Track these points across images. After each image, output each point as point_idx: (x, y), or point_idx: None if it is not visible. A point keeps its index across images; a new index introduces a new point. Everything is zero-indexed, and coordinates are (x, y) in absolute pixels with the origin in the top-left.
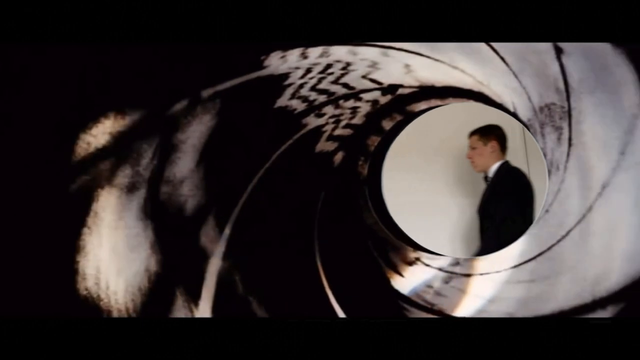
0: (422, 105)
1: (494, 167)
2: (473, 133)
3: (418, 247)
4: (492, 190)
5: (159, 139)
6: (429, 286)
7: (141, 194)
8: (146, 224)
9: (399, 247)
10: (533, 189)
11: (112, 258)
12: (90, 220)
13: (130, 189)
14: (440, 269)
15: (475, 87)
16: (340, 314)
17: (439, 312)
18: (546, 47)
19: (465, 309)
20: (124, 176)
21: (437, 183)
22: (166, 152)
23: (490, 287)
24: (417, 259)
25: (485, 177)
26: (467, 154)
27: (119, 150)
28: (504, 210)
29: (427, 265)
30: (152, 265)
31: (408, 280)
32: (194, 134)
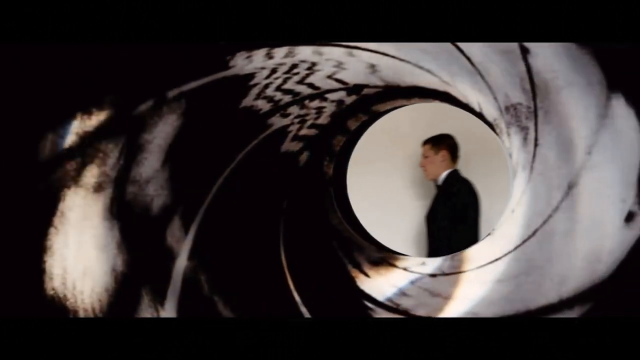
0: (388, 106)
1: (443, 175)
2: (425, 142)
3: (383, 247)
4: (440, 198)
5: (125, 139)
6: (395, 286)
7: (107, 194)
8: (112, 224)
9: (364, 247)
10: (478, 197)
11: (79, 258)
12: (56, 220)
13: (97, 189)
14: (405, 269)
15: (441, 87)
16: (306, 314)
17: (404, 312)
18: (512, 47)
19: (430, 309)
20: (90, 176)
21: (403, 183)
22: (132, 152)
23: (455, 288)
24: (382, 259)
25: (436, 185)
26: (420, 162)
27: (86, 150)
28: (451, 216)
29: (392, 265)
30: (119, 265)
31: (374, 280)
32: (160, 134)
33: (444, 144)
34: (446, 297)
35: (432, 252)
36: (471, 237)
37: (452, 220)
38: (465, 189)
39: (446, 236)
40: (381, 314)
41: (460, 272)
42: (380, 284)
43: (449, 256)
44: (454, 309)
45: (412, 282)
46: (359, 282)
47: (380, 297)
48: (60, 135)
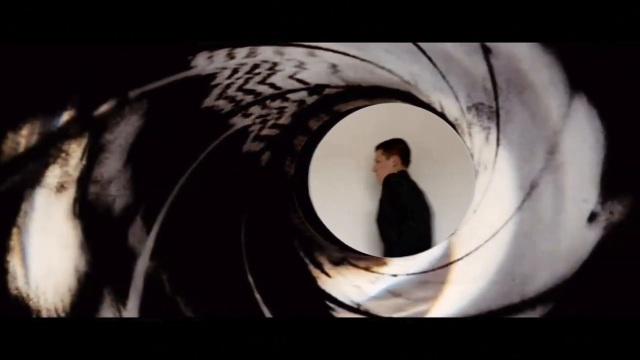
0: (349, 106)
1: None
2: (377, 147)
3: (345, 247)
4: (386, 198)
5: (87, 139)
6: (356, 286)
7: (70, 194)
8: (75, 223)
9: (325, 247)
10: (423, 194)
11: (42, 258)
12: (20, 220)
13: (59, 189)
14: (367, 269)
15: (402, 87)
16: (267, 313)
17: (365, 312)
18: (474, 47)
19: (391, 309)
20: (53, 176)
21: (365, 183)
22: (94, 153)
23: (417, 288)
24: (344, 258)
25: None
26: (373, 166)
27: (48, 150)
28: (397, 215)
29: (354, 265)
30: (81, 265)
31: (335, 280)
32: (122, 134)
33: (395, 148)
34: (407, 297)
35: (387, 252)
36: (422, 233)
37: (399, 218)
38: (407, 187)
39: (397, 235)
40: (342, 313)
41: (422, 273)
42: (341, 284)
43: (411, 257)
44: (415, 309)
45: (373, 282)
46: (320, 282)
47: (341, 297)
48: (23, 136)
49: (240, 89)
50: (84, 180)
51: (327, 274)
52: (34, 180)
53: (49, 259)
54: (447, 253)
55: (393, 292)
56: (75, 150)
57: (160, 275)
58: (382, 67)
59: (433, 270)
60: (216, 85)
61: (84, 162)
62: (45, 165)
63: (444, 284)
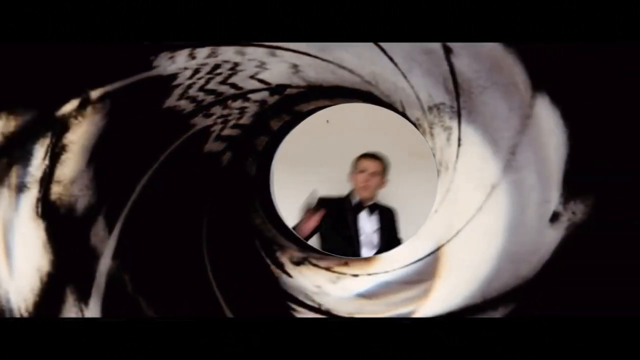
0: (310, 106)
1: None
2: (377, 158)
3: (306, 247)
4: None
5: (50, 139)
6: (317, 286)
7: (33, 194)
8: (37, 223)
9: (286, 246)
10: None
11: (4, 258)
12: None
13: (22, 189)
14: (328, 269)
15: (364, 87)
16: (229, 313)
17: (327, 312)
18: (435, 47)
19: (353, 308)
20: (15, 176)
21: (328, 185)
22: (57, 153)
23: (378, 288)
24: (305, 258)
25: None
26: (362, 177)
27: (11, 150)
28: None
29: (315, 265)
30: (44, 265)
31: (296, 280)
32: (85, 134)
33: (387, 170)
34: (369, 298)
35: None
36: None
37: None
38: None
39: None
40: (304, 313)
41: (382, 273)
42: (302, 284)
43: (372, 257)
44: (376, 309)
45: (334, 282)
46: (281, 282)
47: (302, 297)
48: None
49: (201, 89)
50: (47, 180)
51: (289, 274)
52: None
53: (11, 259)
54: (409, 254)
55: (354, 292)
56: (38, 150)
57: (122, 275)
58: (343, 67)
59: (394, 270)
60: (178, 86)
61: (46, 162)
62: (8, 165)
63: (405, 284)
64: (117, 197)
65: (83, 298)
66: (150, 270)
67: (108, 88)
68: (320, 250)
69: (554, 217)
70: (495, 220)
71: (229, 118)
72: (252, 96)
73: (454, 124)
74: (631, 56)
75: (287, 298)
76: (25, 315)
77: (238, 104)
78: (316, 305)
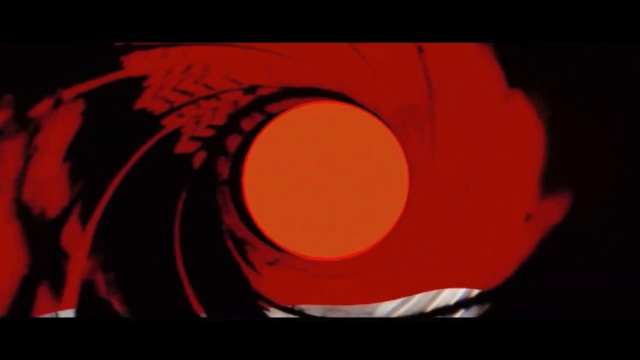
0: (283, 106)
1: None
2: None
3: (279, 248)
4: None
5: (23, 139)
6: (290, 287)
7: (6, 194)
8: (11, 224)
9: (259, 247)
10: None
11: None
12: None
13: None
14: (301, 270)
15: (336, 88)
16: (202, 313)
17: (299, 313)
18: (408, 47)
19: (326, 309)
20: None
21: (304, 184)
22: (30, 153)
23: (352, 289)
24: (278, 259)
25: None
26: None
27: None
28: None
29: (288, 265)
30: (17, 265)
31: (269, 281)
32: (57, 135)
33: None
34: (342, 298)
35: None
36: None
37: None
38: None
39: None
40: (276, 314)
41: (357, 274)
42: (275, 285)
43: (344, 258)
44: (350, 310)
45: (308, 283)
46: (253, 283)
47: (275, 297)
48: None
49: (174, 89)
50: (20, 180)
51: (261, 275)
52: None
53: None
54: (381, 253)
55: (328, 293)
56: (12, 151)
57: (95, 275)
58: (316, 68)
59: (366, 270)
60: (150, 86)
61: (19, 162)
62: None
63: (380, 284)
64: (90, 198)
65: (56, 299)
66: (123, 270)
67: (81, 88)
68: (293, 251)
69: (529, 217)
70: (471, 219)
71: (202, 118)
72: (225, 96)
73: (427, 123)
74: (608, 55)
75: (259, 298)
76: None
77: (210, 104)
78: (289, 306)
